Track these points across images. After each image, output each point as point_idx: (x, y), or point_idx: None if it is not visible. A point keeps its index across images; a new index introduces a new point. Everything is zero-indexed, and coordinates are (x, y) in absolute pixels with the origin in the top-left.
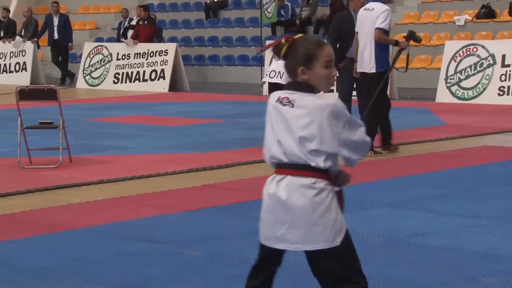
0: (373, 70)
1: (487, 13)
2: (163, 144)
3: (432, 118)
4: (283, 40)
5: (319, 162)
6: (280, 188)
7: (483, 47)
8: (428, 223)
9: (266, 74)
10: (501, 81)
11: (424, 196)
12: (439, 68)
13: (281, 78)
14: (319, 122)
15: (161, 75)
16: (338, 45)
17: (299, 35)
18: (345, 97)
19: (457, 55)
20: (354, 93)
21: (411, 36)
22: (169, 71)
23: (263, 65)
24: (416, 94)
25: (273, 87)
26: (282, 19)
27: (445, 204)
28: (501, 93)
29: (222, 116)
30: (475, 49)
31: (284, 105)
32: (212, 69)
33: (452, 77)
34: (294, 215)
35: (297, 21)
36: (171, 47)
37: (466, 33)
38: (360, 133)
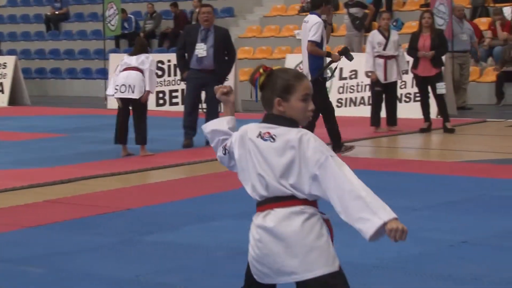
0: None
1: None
2: (2, 159)
3: None
4: (261, 70)
5: (304, 193)
6: (267, 220)
7: None
8: None
9: (116, 90)
10: (339, 93)
11: None
12: None
13: (133, 92)
14: (299, 155)
15: (0, 88)
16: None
17: (278, 67)
18: (189, 109)
19: (298, 67)
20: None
21: (344, 52)
22: (8, 85)
23: (107, 78)
24: (259, 107)
25: (124, 101)
26: (126, 31)
27: None
28: (339, 105)
29: (65, 130)
30: None
31: (265, 140)
32: (54, 83)
33: None
34: (287, 243)
35: (141, 34)
36: (10, 60)
37: None
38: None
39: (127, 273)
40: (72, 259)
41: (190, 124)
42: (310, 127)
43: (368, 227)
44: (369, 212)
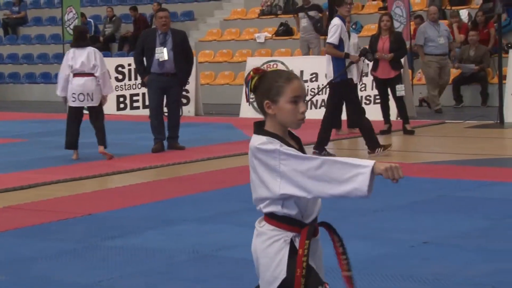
0: (335, 80)
1: (285, 30)
2: None
3: (236, 133)
4: (251, 73)
5: (261, 207)
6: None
7: (282, 63)
8: (234, 236)
9: (74, 98)
10: None
11: (230, 210)
12: (242, 84)
13: (92, 100)
14: (251, 165)
15: None
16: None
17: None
18: (155, 112)
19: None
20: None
21: (364, 53)
22: None
23: None
24: (220, 110)
25: (76, 111)
26: None
27: (250, 217)
28: None
29: (25, 135)
30: (275, 65)
31: None
32: (13, 87)
33: None
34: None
35: (101, 38)
36: None
37: (267, 50)
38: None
39: (89, 279)
40: (33, 265)
41: (159, 127)
42: (357, 123)
43: (361, 181)
44: (352, 168)
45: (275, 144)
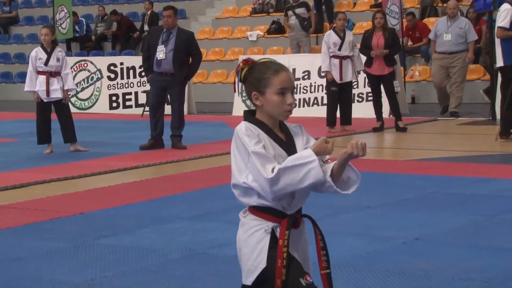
0: (501, 64)
1: (277, 28)
2: None
3: (229, 131)
4: (241, 64)
5: (237, 195)
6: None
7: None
8: (226, 234)
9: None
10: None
11: (222, 207)
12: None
13: None
14: (232, 151)
15: None
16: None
17: (264, 59)
18: (153, 111)
19: None
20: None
21: None
22: None
23: None
24: (213, 108)
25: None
26: (77, 35)
27: None
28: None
29: (16, 135)
30: None
31: None
32: (5, 87)
33: None
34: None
35: (93, 37)
36: None
37: (259, 48)
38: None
39: (80, 277)
40: (24, 264)
41: (154, 125)
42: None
43: (316, 175)
44: (301, 167)
45: (251, 140)
